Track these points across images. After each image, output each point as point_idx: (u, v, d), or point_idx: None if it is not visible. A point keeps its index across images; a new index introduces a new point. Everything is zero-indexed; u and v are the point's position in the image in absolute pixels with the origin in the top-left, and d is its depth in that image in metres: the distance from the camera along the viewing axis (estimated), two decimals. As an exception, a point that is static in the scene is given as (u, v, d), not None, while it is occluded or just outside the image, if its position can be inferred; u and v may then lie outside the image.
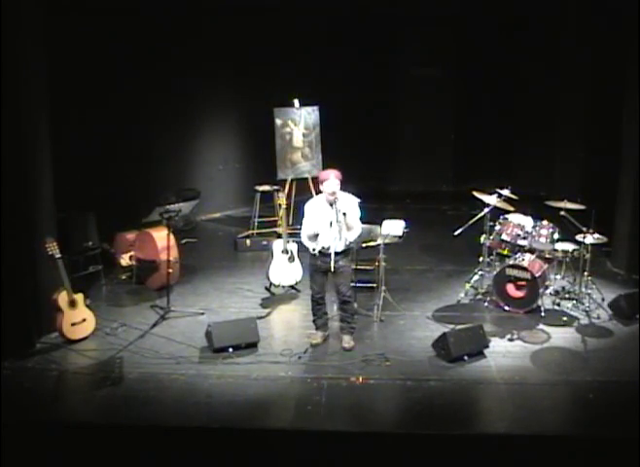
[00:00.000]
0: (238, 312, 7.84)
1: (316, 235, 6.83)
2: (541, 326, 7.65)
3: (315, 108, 10.84)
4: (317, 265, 6.96)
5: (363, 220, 7.06)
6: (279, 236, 8.57)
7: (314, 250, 6.91)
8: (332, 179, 6.74)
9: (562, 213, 8.01)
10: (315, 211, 6.89)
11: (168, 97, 10.48)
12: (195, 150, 11.46)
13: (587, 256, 7.88)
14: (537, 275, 7.77)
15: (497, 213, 8.38)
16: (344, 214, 6.71)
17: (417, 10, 12.05)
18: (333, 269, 6.78)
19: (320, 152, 10.88)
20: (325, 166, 10.37)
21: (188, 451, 5.72)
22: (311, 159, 10.87)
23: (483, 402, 6.48)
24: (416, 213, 11.31)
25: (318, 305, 7.20)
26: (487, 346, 7.08)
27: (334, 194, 6.73)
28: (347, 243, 6.88)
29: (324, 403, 6.16)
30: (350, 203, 6.87)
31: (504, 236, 8.21)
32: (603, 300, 8.06)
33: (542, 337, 7.43)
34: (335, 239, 6.78)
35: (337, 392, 6.35)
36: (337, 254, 6.81)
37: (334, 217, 6.73)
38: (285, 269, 8.31)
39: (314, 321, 7.27)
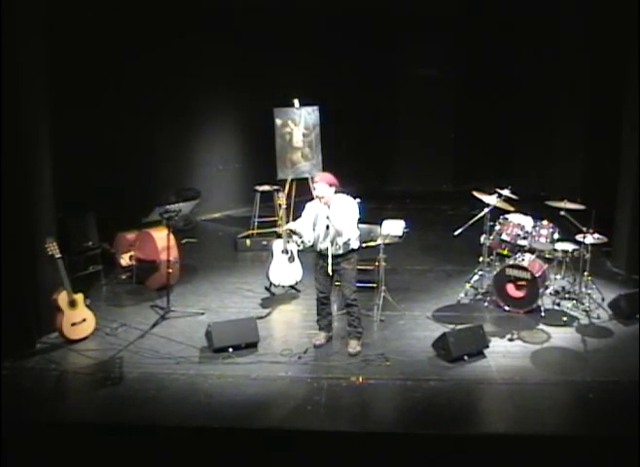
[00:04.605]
0: (238, 312, 7.83)
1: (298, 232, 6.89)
2: (541, 326, 7.64)
3: (315, 108, 10.82)
4: (319, 265, 6.97)
5: (363, 220, 7.04)
6: (279, 236, 8.57)
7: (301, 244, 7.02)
8: (317, 183, 6.79)
9: (562, 213, 8.00)
10: (310, 211, 6.91)
11: (168, 97, 10.49)
12: (195, 150, 11.46)
13: (587, 256, 7.88)
14: (537, 275, 7.77)
15: (497, 213, 8.38)
16: (327, 217, 6.70)
17: (417, 10, 12.06)
18: (331, 272, 6.81)
19: (320, 152, 10.86)
20: (325, 166, 10.39)
21: (188, 451, 5.72)
22: (311, 159, 10.85)
23: (483, 402, 6.47)
24: (416, 213, 11.31)
25: (322, 305, 7.19)
26: (487, 346, 7.07)
27: (317, 197, 6.75)
28: (345, 245, 6.79)
29: (324, 403, 6.16)
30: (344, 206, 6.78)
31: (504, 236, 8.21)
32: (603, 300, 8.06)
33: (542, 337, 7.43)
34: (328, 242, 6.76)
35: (337, 392, 6.34)
36: (335, 257, 6.80)
37: (318, 219, 6.77)
38: (285, 269, 8.31)
39: (318, 321, 7.25)
